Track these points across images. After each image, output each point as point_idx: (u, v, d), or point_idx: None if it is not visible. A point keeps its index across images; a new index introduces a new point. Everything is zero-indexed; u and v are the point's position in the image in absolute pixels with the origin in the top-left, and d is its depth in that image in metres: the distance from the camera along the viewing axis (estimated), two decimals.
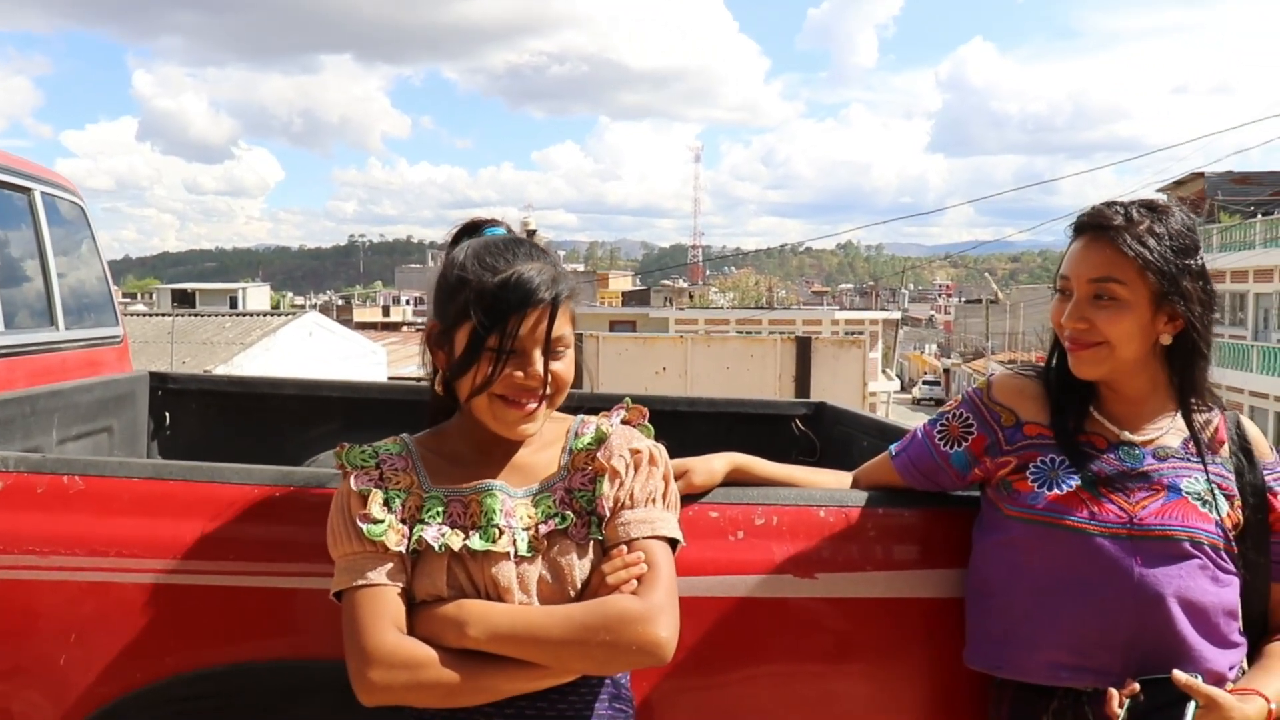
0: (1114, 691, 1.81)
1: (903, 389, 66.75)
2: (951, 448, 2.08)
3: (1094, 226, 1.96)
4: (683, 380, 11.17)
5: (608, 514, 1.74)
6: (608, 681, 1.75)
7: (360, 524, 1.69)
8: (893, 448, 2.18)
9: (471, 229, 1.83)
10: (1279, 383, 30.13)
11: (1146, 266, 1.91)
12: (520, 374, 1.70)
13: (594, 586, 1.69)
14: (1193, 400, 2.02)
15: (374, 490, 1.72)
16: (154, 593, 1.91)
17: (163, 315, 27.14)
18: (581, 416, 1.86)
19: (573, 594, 1.69)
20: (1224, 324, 36.33)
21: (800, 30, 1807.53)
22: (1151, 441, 1.99)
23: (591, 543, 1.73)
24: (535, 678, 1.65)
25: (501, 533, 1.69)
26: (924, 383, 72.07)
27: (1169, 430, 2.01)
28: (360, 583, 1.67)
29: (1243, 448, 2.04)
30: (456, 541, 1.68)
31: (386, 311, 77.66)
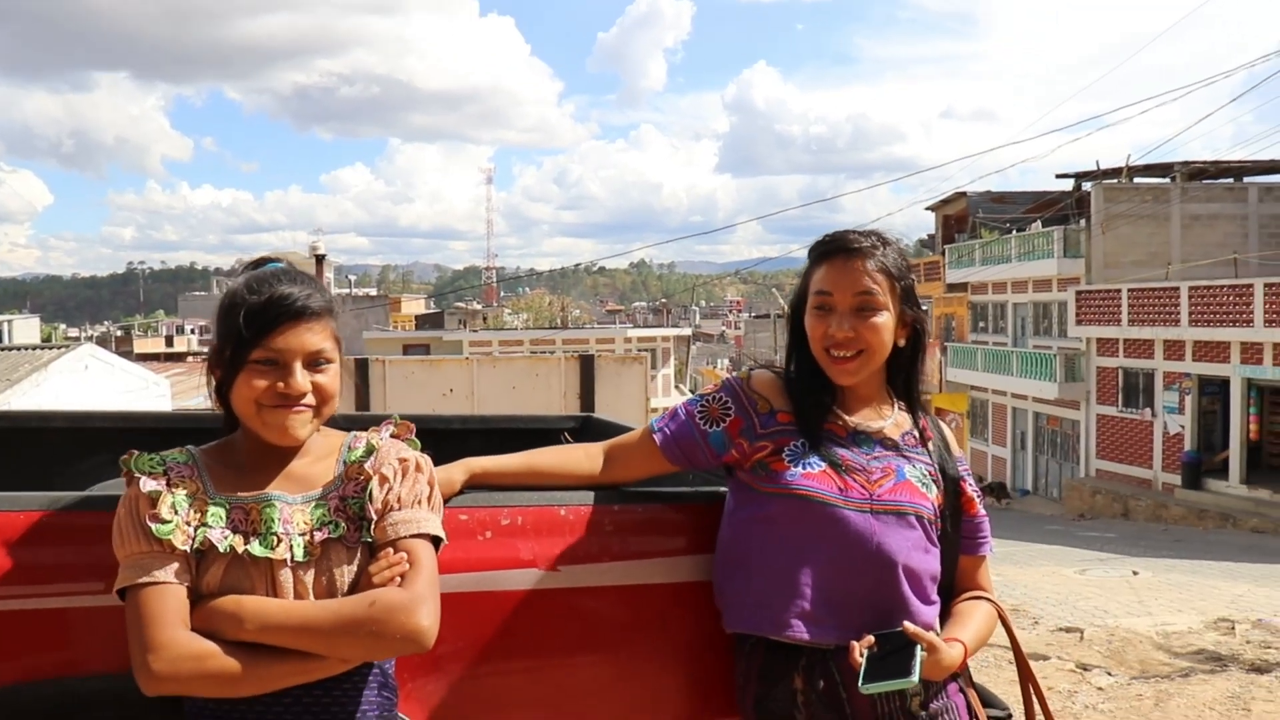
0: (855, 644, 2.10)
1: None
2: (711, 427, 2.32)
3: (848, 250, 2.27)
4: (470, 401, 11.28)
5: (376, 516, 1.90)
6: (376, 670, 1.91)
7: (150, 524, 1.80)
8: (654, 423, 2.40)
9: (255, 265, 2.00)
10: (1036, 385, 32.35)
11: (896, 279, 2.26)
12: (282, 384, 1.87)
13: (362, 585, 1.85)
14: (912, 400, 2.38)
15: (164, 493, 1.83)
16: None
17: None
18: (354, 433, 2.03)
19: (344, 596, 1.84)
20: (988, 332, 38.71)
21: (591, 53, 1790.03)
22: (878, 432, 2.31)
23: (361, 546, 1.89)
24: (312, 668, 1.79)
25: (280, 540, 1.84)
26: None
27: (889, 424, 2.33)
28: (146, 580, 1.78)
29: (943, 443, 2.40)
30: (240, 544, 1.82)
31: (170, 341, 73.92)
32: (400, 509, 1.91)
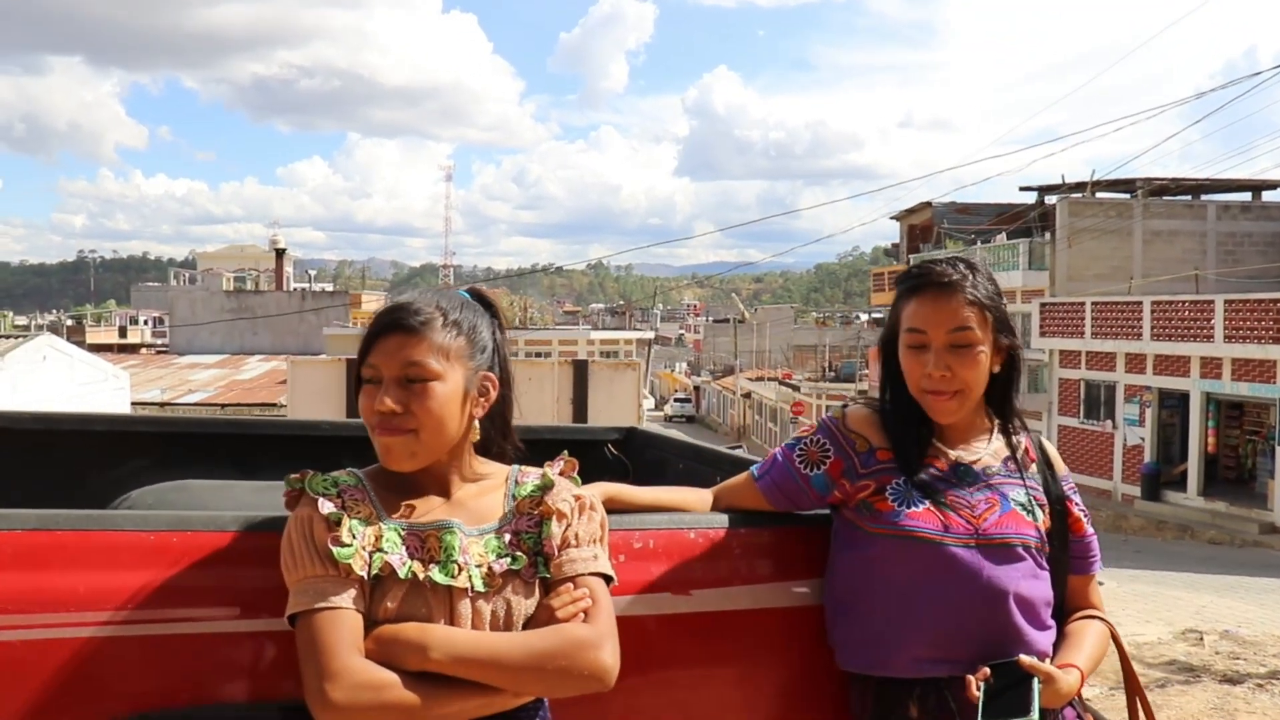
0: (971, 678, 2.07)
1: (656, 407, 68.21)
2: (811, 470, 2.29)
3: (937, 283, 2.23)
4: None
5: (554, 552, 1.86)
6: (541, 705, 1.87)
7: (331, 547, 1.73)
8: (755, 470, 2.38)
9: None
10: None
11: (988, 310, 2.22)
12: (371, 402, 1.82)
13: (541, 619, 1.80)
14: (1011, 423, 2.34)
15: (344, 516, 1.77)
16: (43, 649, 1.82)
17: None
18: (519, 466, 2.00)
19: (520, 630, 1.79)
20: None
21: (553, 53, 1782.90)
22: (979, 462, 2.28)
23: (538, 581, 1.84)
24: (491, 702, 1.74)
25: (460, 569, 1.78)
26: (675, 400, 73.98)
27: (990, 452, 2.31)
28: (323, 605, 1.71)
29: (1046, 463, 2.38)
30: (421, 570, 1.76)
31: (123, 332, 72.11)
32: (578, 546, 1.88)
